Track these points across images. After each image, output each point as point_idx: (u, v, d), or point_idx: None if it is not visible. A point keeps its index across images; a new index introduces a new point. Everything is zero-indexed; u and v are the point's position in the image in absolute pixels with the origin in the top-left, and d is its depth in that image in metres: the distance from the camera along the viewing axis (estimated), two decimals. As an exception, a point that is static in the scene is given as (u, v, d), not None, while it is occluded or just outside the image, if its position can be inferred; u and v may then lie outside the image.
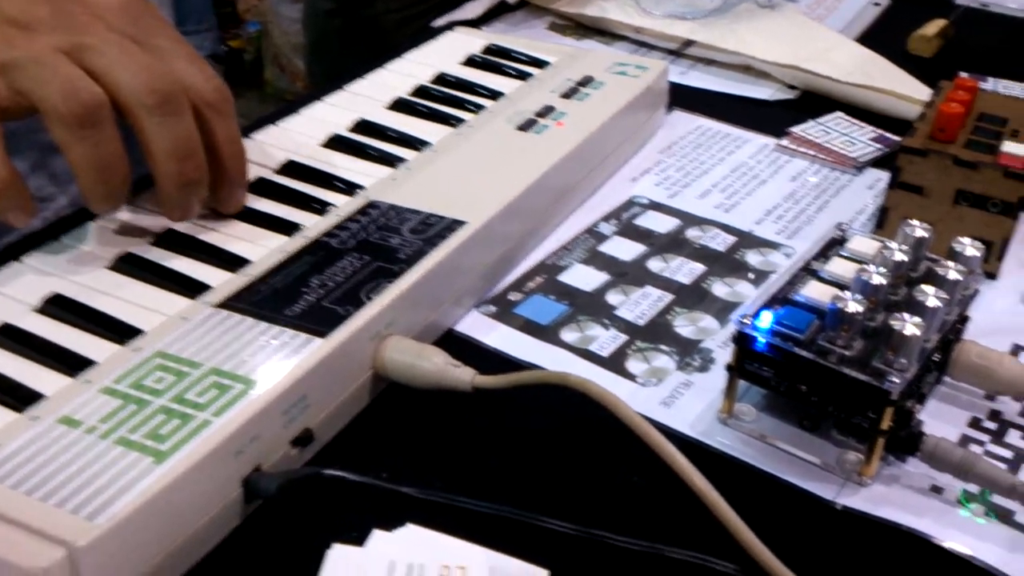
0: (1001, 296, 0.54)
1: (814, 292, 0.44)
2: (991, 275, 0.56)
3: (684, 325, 0.52)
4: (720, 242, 0.59)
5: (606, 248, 0.58)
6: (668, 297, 0.54)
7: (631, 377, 0.48)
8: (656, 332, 0.51)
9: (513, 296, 0.54)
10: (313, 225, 0.51)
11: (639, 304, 0.53)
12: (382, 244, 0.49)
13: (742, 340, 0.43)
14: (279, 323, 0.43)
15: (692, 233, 0.60)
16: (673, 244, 0.58)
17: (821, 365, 0.41)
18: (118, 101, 0.44)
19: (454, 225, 0.50)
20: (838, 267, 0.46)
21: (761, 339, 0.42)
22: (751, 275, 0.56)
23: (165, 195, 0.47)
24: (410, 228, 0.50)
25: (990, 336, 0.50)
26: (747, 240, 0.59)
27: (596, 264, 0.56)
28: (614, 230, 0.60)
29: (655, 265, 0.57)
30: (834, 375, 0.41)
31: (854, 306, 0.40)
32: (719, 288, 0.55)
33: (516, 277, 0.55)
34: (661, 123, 0.72)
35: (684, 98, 0.75)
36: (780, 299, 0.44)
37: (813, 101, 0.76)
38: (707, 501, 0.38)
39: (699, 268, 0.56)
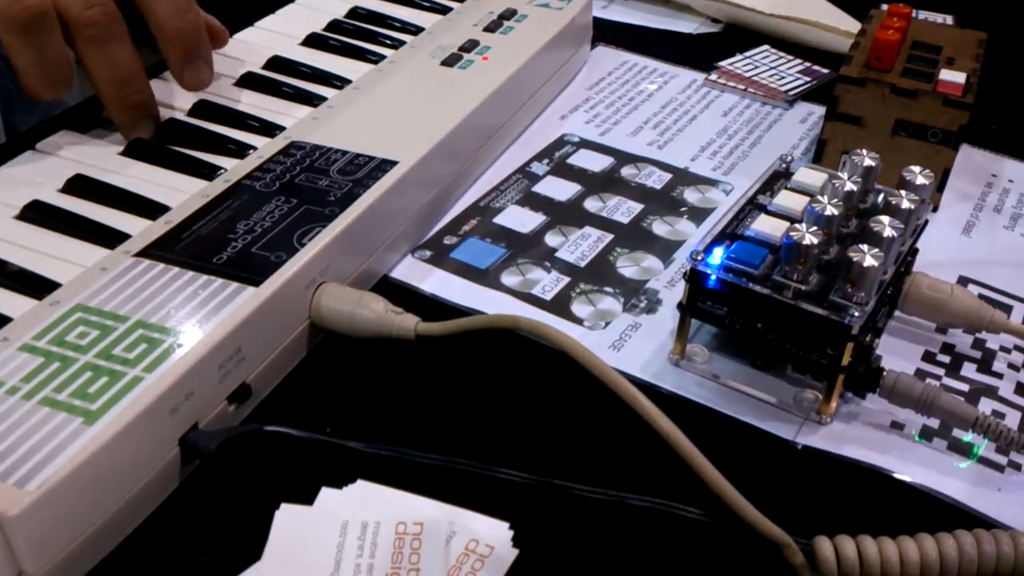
0: (942, 228, 0.54)
1: (765, 226, 0.42)
2: (932, 207, 0.55)
3: (627, 266, 0.50)
4: (656, 180, 0.57)
5: (540, 188, 0.56)
6: (608, 237, 0.52)
7: (578, 321, 0.46)
8: (599, 273, 0.49)
9: (448, 240, 0.51)
10: (233, 168, 0.47)
11: (579, 245, 0.51)
12: (310, 186, 0.45)
13: (694, 277, 0.41)
14: (207, 272, 0.40)
15: (627, 171, 0.58)
16: (609, 183, 0.56)
17: (777, 300, 0.39)
18: (62, 19, 0.45)
19: (385, 165, 0.47)
20: (786, 200, 0.44)
21: (713, 276, 0.41)
22: (690, 213, 0.54)
23: (114, 118, 0.49)
24: (338, 169, 0.47)
25: (935, 268, 0.49)
26: (684, 177, 0.57)
27: (531, 205, 0.54)
28: (547, 169, 0.57)
29: (592, 205, 0.54)
30: (791, 310, 0.39)
31: (810, 238, 0.39)
32: (659, 227, 0.53)
33: (450, 220, 0.53)
34: (586, 59, 0.69)
35: (607, 32, 0.73)
36: (730, 234, 0.43)
37: (738, 34, 0.75)
38: (673, 443, 0.36)
39: (637, 207, 0.55)
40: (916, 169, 0.44)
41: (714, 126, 0.63)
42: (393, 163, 0.47)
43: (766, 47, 0.72)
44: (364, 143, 0.49)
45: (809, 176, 0.46)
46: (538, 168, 0.58)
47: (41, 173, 0.47)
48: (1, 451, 0.32)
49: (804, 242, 0.39)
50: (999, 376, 0.44)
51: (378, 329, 0.41)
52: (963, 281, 0.50)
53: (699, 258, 0.41)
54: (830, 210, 0.41)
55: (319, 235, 0.42)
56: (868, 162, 0.44)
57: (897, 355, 0.45)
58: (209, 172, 0.47)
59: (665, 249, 0.51)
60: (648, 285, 0.49)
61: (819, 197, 0.41)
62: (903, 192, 0.42)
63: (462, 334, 0.41)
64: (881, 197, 0.44)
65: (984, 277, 0.50)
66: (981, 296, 0.49)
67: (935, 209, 0.55)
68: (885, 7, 0.78)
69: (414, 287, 0.48)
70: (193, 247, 0.41)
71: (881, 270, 0.39)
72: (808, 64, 0.70)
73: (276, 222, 0.43)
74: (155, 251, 0.41)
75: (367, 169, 0.47)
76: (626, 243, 0.52)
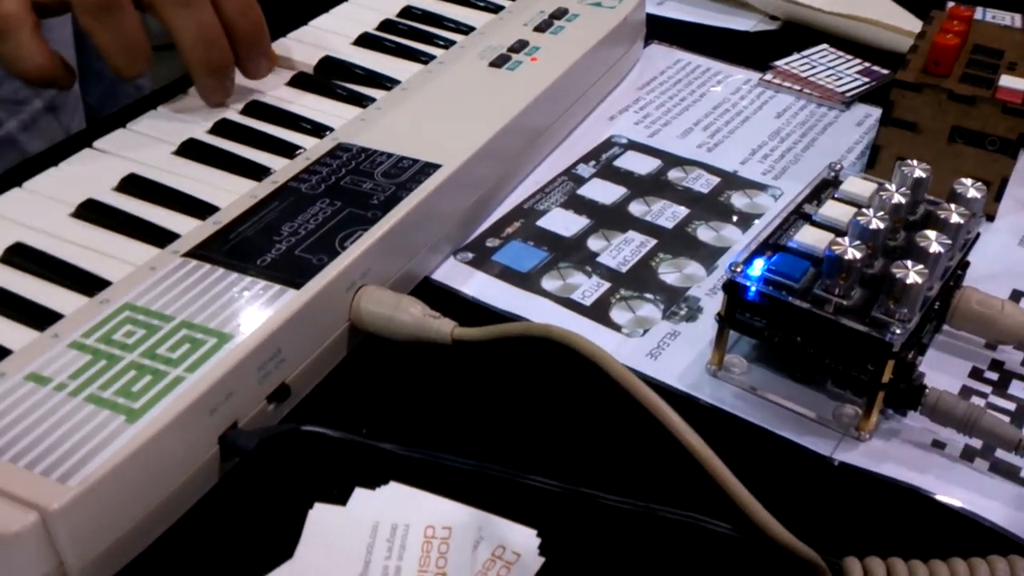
0: (999, 239, 0.53)
1: (808, 237, 0.42)
2: (989, 217, 0.54)
3: (669, 272, 0.50)
4: (704, 184, 0.57)
5: (585, 191, 0.56)
6: (651, 242, 0.52)
7: (616, 327, 0.46)
8: (640, 279, 0.49)
9: (491, 242, 0.51)
10: (281, 169, 0.48)
11: (621, 250, 0.51)
12: (354, 189, 0.46)
13: (733, 289, 0.41)
14: (251, 273, 0.40)
15: (674, 175, 0.57)
16: (655, 186, 0.56)
17: (817, 315, 0.39)
18: None
19: (428, 168, 0.47)
20: (833, 210, 0.44)
21: (753, 288, 0.40)
22: (737, 218, 0.54)
23: (198, 82, 0.52)
24: (382, 172, 0.47)
25: (989, 281, 0.48)
26: (732, 181, 0.57)
27: (575, 208, 0.54)
28: (593, 172, 0.57)
29: (637, 209, 0.54)
30: (831, 326, 0.39)
31: (853, 253, 0.38)
32: (704, 232, 0.53)
33: (493, 222, 0.53)
34: (638, 57, 0.69)
35: (661, 30, 0.73)
36: (772, 245, 0.42)
37: (796, 32, 0.73)
38: (699, 458, 0.36)
39: (682, 211, 0.54)
40: (967, 182, 0.43)
41: (767, 128, 0.62)
42: (436, 166, 0.48)
43: (825, 46, 0.71)
44: (409, 146, 0.49)
45: (858, 186, 0.45)
46: (584, 170, 0.57)
47: (97, 171, 0.48)
48: (46, 447, 0.34)
49: (847, 257, 0.38)
50: (1047, 395, 0.43)
51: (416, 333, 0.41)
52: (1017, 295, 0.49)
53: (738, 270, 0.41)
54: (876, 224, 0.40)
55: (360, 239, 0.43)
56: (919, 173, 0.43)
57: (943, 370, 0.44)
58: (258, 173, 0.48)
59: (709, 255, 0.51)
60: (689, 292, 0.49)
61: (864, 210, 0.40)
62: (953, 205, 0.41)
63: (498, 340, 0.41)
64: (931, 210, 0.43)
65: (1038, 291, 0.49)
66: (1034, 311, 0.48)
67: (992, 219, 0.54)
68: (951, 4, 0.77)
69: (455, 289, 0.48)
70: (239, 248, 0.42)
71: (926, 287, 0.38)
72: (868, 64, 0.68)
73: (320, 224, 0.43)
74: (202, 252, 0.42)
75: (411, 172, 0.47)
76: (669, 248, 0.51)
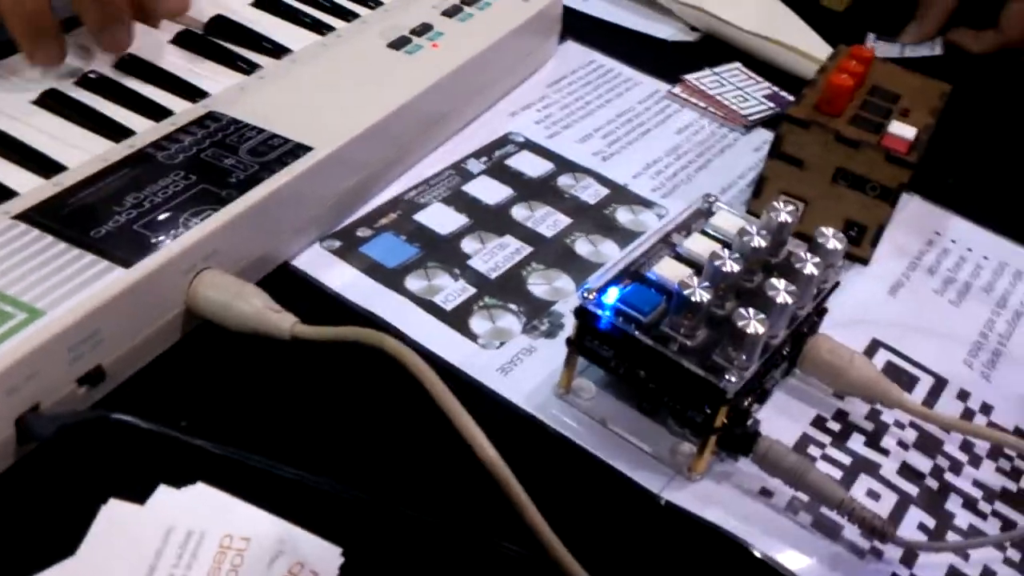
0: (869, 286, 0.53)
1: (667, 270, 0.41)
2: (863, 260, 0.54)
3: (538, 283, 0.49)
4: (592, 194, 0.56)
5: (471, 188, 0.54)
6: (527, 250, 0.51)
7: (473, 337, 0.45)
8: (507, 288, 0.48)
9: (362, 232, 0.50)
10: (143, 133, 0.46)
11: (495, 255, 0.50)
12: (214, 164, 0.44)
13: (583, 315, 0.40)
14: (81, 245, 0.38)
15: (564, 181, 0.56)
16: (542, 191, 0.55)
17: (659, 353, 0.38)
18: None
19: (298, 150, 0.46)
20: (697, 244, 0.43)
21: (603, 317, 0.40)
22: (618, 234, 0.53)
23: (88, 22, 0.48)
24: (249, 148, 0.45)
25: (850, 328, 0.49)
26: (621, 195, 0.56)
27: (457, 205, 0.53)
28: (482, 168, 0.56)
29: (519, 213, 0.53)
30: (672, 365, 0.38)
31: (700, 295, 0.38)
32: (582, 245, 0.52)
33: (368, 211, 0.51)
34: (551, 53, 0.68)
35: (580, 27, 0.71)
36: (632, 273, 0.42)
37: (713, 47, 0.73)
38: (498, 478, 0.35)
39: (565, 220, 0.53)
40: (829, 231, 0.43)
41: (666, 143, 0.61)
42: (308, 149, 0.46)
43: (738, 65, 0.70)
44: (284, 123, 0.47)
45: (726, 221, 0.45)
46: (474, 166, 0.56)
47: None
48: None
49: (694, 298, 0.38)
50: (885, 453, 0.43)
51: (254, 325, 0.40)
52: (876, 345, 0.49)
53: (591, 296, 0.40)
54: (730, 266, 0.39)
55: (209, 219, 0.41)
56: (784, 217, 0.43)
57: (788, 415, 0.44)
58: (118, 133, 0.46)
59: (582, 270, 0.50)
60: (555, 307, 0.48)
61: (720, 251, 0.40)
62: (808, 255, 0.41)
63: (337, 343, 0.40)
64: (792, 254, 0.43)
65: (898, 343, 0.49)
66: (889, 364, 0.48)
67: (866, 263, 0.54)
68: (870, 40, 0.77)
69: (314, 279, 0.47)
70: (75, 216, 0.40)
71: (766, 337, 0.38)
72: (776, 89, 0.68)
73: (168, 199, 0.42)
74: (35, 215, 0.40)
75: (279, 152, 0.45)
76: (544, 259, 0.50)
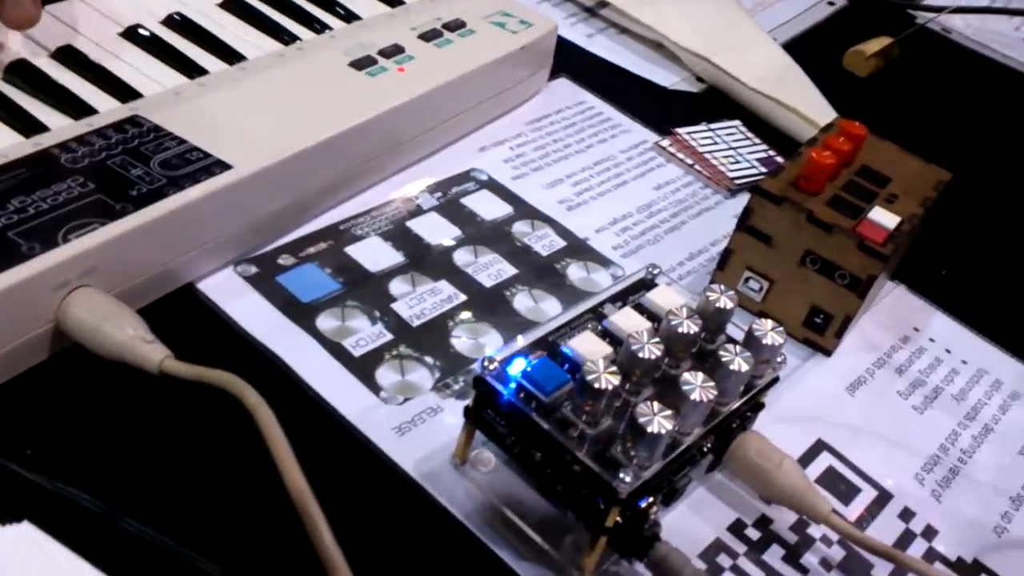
0: (827, 379, 0.48)
1: (583, 346, 0.37)
2: (826, 351, 0.50)
3: (462, 337, 0.45)
4: (546, 245, 0.52)
5: (415, 224, 0.51)
6: (459, 298, 0.47)
7: (376, 389, 0.42)
8: (426, 339, 0.45)
9: (284, 260, 0.47)
10: (57, 130, 0.43)
11: (423, 300, 0.47)
12: (119, 172, 0.41)
13: (481, 386, 0.36)
14: (-56, 248, 0.36)
15: (519, 228, 0.53)
16: (492, 236, 0.51)
17: (554, 439, 0.35)
18: None
19: (214, 167, 0.43)
20: (625, 320, 0.39)
21: (502, 392, 0.36)
22: (564, 292, 0.49)
23: None
24: (161, 160, 0.42)
25: (795, 423, 0.45)
26: (577, 249, 0.52)
27: (395, 241, 0.49)
28: (434, 204, 0.53)
29: (461, 257, 0.50)
30: (565, 453, 0.34)
31: (607, 380, 0.34)
32: (521, 300, 0.48)
33: (297, 237, 0.48)
34: (538, 88, 0.64)
35: (580, 64, 0.68)
36: (547, 344, 0.38)
37: (716, 100, 0.69)
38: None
39: (509, 271, 0.50)
40: (767, 325, 0.38)
41: (639, 198, 0.58)
42: (227, 167, 0.43)
43: (737, 123, 0.66)
44: (209, 136, 0.44)
45: (664, 298, 0.41)
46: (426, 200, 0.53)
47: None
48: None
49: (597, 385, 0.34)
50: (804, 572, 0.39)
51: (120, 352, 0.37)
52: (820, 446, 0.45)
53: (492, 367, 0.36)
54: (647, 352, 0.36)
55: (92, 233, 0.38)
56: (723, 303, 0.39)
57: (702, 516, 0.40)
58: (30, 129, 0.43)
59: (513, 327, 0.46)
60: (474, 365, 0.44)
61: (636, 334, 0.36)
62: (738, 349, 0.37)
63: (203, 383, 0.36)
64: (725, 342, 0.39)
65: (846, 447, 0.45)
66: (831, 470, 0.44)
67: (829, 354, 0.50)
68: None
69: (217, 306, 0.43)
70: (-53, 215, 0.37)
71: (674, 434, 0.34)
72: (771, 153, 0.64)
73: (55, 206, 0.39)
74: (-96, 208, 0.37)
75: (193, 167, 0.42)
76: (476, 310, 0.47)
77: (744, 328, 0.39)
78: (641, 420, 0.33)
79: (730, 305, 0.39)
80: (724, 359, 0.37)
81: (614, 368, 0.34)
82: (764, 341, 0.38)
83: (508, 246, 0.51)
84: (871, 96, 0.75)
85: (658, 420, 0.33)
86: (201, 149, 0.43)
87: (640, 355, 0.35)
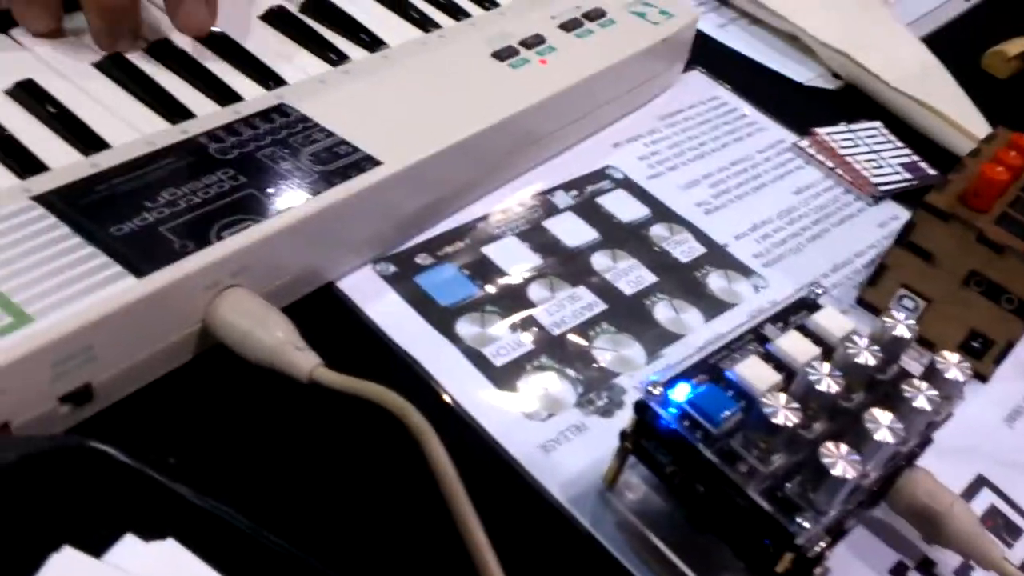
0: (985, 410, 0.46)
1: (750, 372, 0.35)
2: (982, 377, 0.47)
3: (604, 348, 0.43)
4: (685, 251, 0.50)
5: (552, 224, 0.49)
6: (600, 306, 0.45)
7: (519, 403, 0.40)
8: (568, 350, 0.43)
9: (422, 259, 0.45)
10: (204, 117, 0.42)
11: (563, 307, 0.45)
12: (270, 165, 0.40)
13: (643, 411, 0.35)
14: (96, 242, 0.34)
15: (657, 231, 0.50)
16: (630, 239, 0.49)
17: (723, 474, 0.33)
18: None
19: (365, 163, 0.41)
20: (792, 344, 0.37)
21: (666, 418, 0.34)
22: (706, 303, 0.47)
23: (90, 21, 0.43)
24: (312, 153, 0.41)
25: (953, 457, 0.42)
26: (717, 256, 0.50)
27: (532, 242, 0.48)
28: (570, 204, 0.51)
29: (600, 261, 0.48)
30: (736, 490, 0.32)
31: (786, 416, 0.32)
32: (662, 310, 0.46)
33: (433, 235, 0.46)
34: (674, 81, 0.62)
35: (712, 56, 0.65)
36: (709, 367, 0.36)
37: (854, 99, 0.66)
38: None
39: (649, 278, 0.47)
40: (952, 358, 0.36)
41: (780, 203, 0.55)
42: (377, 163, 0.41)
43: (878, 124, 0.63)
44: (358, 128, 0.43)
45: (832, 321, 0.39)
46: (561, 199, 0.51)
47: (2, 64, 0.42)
48: None
49: (775, 419, 0.32)
50: (972, 623, 0.37)
51: (270, 359, 0.35)
52: (980, 482, 0.42)
53: (656, 391, 0.34)
54: (827, 384, 0.33)
55: (246, 231, 0.36)
56: (902, 332, 0.36)
57: (863, 557, 0.38)
58: (176, 114, 0.42)
59: (657, 340, 0.44)
60: (617, 380, 0.42)
61: (814, 365, 0.34)
62: (924, 385, 0.35)
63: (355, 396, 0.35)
64: (903, 373, 0.36)
65: (1006, 484, 0.42)
66: (993, 508, 0.41)
67: (985, 380, 0.47)
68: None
69: (357, 307, 0.42)
70: (100, 206, 0.36)
71: (859, 478, 0.32)
72: (916, 159, 0.61)
73: (207, 200, 0.37)
74: (57, 199, 0.36)
75: (343, 162, 0.41)
76: (616, 320, 0.45)
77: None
78: (825, 461, 0.31)
79: (909, 335, 0.36)
80: (907, 395, 0.34)
81: (796, 404, 0.32)
82: (947, 375, 0.36)
83: (646, 251, 0.49)
84: (1012, 100, 0.71)
85: (843, 463, 0.31)
86: (350, 143, 0.42)
87: (818, 387, 0.33)
